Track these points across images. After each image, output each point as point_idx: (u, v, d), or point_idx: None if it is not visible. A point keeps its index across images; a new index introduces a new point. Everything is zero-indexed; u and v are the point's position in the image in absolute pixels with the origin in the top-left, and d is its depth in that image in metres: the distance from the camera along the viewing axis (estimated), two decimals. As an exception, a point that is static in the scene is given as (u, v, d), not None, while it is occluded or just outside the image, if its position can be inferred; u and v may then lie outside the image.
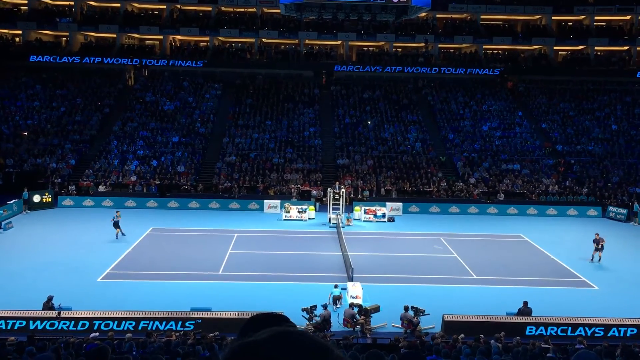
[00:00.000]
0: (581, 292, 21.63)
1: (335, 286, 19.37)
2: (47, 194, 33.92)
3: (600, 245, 24.93)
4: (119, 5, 52.56)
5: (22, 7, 52.28)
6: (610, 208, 35.44)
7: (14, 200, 31.96)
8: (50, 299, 17.30)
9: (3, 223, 28.57)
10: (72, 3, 52.33)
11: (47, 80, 47.69)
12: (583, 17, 54.15)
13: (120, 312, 17.01)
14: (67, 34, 51.64)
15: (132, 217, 32.07)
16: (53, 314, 16.79)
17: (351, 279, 20.77)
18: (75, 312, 17.10)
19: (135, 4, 53.53)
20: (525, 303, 17.90)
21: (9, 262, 23.27)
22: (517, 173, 39.90)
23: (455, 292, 20.98)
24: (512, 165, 40.70)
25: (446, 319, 17.15)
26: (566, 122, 46.13)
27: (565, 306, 19.34)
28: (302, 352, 1.29)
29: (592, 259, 25.21)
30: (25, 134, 41.39)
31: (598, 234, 25.33)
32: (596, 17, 53.53)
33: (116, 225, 27.28)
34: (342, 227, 29.44)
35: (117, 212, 28.07)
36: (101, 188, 36.31)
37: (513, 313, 17.79)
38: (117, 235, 27.21)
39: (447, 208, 35.69)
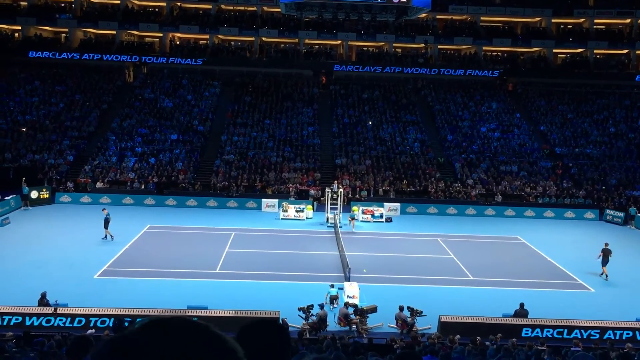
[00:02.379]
0: (577, 295, 21.65)
1: (332, 286, 19.38)
2: (44, 190, 33.87)
3: (606, 258, 23.47)
4: (118, 2, 52.51)
5: (22, 3, 52.20)
6: (608, 211, 35.50)
7: (11, 196, 31.89)
8: (43, 295, 17.27)
9: (0, 219, 28.51)
10: (72, -1, 52.28)
11: (46, 76, 47.62)
12: (583, 20, 54.23)
13: (117, 309, 17.00)
14: (67, 30, 51.59)
15: (129, 214, 32.13)
16: (49, 310, 16.77)
17: (348, 279, 20.77)
18: (71, 308, 17.08)
19: (135, 1, 53.51)
20: (522, 305, 17.92)
21: (5, 258, 23.22)
22: (515, 175, 39.94)
23: (451, 293, 20.99)
24: (510, 167, 40.74)
25: (442, 320, 17.16)
26: (565, 124, 46.19)
27: (561, 308, 19.36)
28: (178, 340, 1.19)
29: (602, 274, 23.53)
30: (24, 129, 41.33)
31: (607, 244, 23.88)
32: (596, 20, 53.62)
33: (107, 224, 26.47)
34: (340, 227, 29.40)
35: (103, 209, 27.24)
36: (99, 185, 36.27)
37: (509, 315, 17.81)
38: (106, 236, 26.42)
39: (444, 209, 35.72)
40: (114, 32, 51.62)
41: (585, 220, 35.28)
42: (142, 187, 36.59)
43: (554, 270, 24.47)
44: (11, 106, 43.90)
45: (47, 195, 33.84)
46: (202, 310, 17.08)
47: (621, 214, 34.56)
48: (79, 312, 16.88)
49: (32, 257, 23.44)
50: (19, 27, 51.23)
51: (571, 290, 22.08)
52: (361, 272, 22.23)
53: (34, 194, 33.22)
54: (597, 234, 26.14)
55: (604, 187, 39.00)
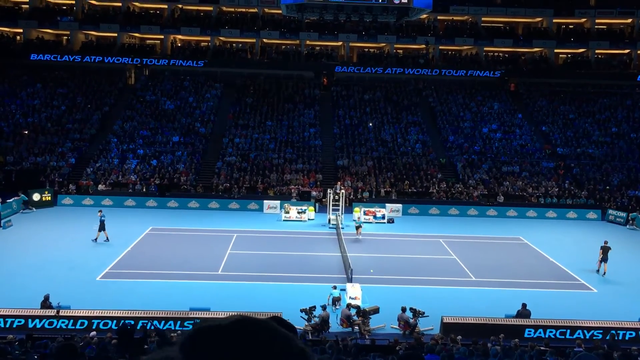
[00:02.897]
0: (580, 295, 21.62)
1: (334, 287, 19.37)
2: (46, 193, 33.92)
3: (605, 255, 23.73)
4: (120, 4, 52.57)
5: (23, 6, 52.32)
6: (610, 211, 35.44)
7: (13, 199, 31.94)
8: (46, 297, 17.29)
9: (2, 221, 28.55)
10: (73, 2, 52.38)
11: (47, 79, 47.69)
12: (584, 20, 54.18)
13: (119, 311, 17.01)
14: (68, 32, 51.67)
15: (131, 216, 32.18)
16: (52, 312, 16.79)
17: (350, 280, 20.77)
18: (74, 310, 17.09)
19: (137, 3, 53.55)
20: (524, 305, 17.91)
21: (8, 261, 23.27)
22: (517, 175, 39.90)
23: (454, 294, 20.98)
24: (512, 168, 40.69)
25: (445, 321, 17.15)
26: (566, 124, 46.15)
27: (564, 309, 19.34)
28: (265, 343, 1.27)
29: (598, 271, 24.01)
30: (26, 132, 41.39)
31: (607, 242, 24.23)
32: (597, 20, 53.57)
33: (102, 226, 26.40)
34: (342, 228, 29.38)
35: (99, 211, 27.13)
36: (101, 187, 36.31)
37: (512, 315, 17.80)
38: (96, 239, 26.35)
39: (446, 210, 35.70)
40: (115, 35, 51.69)
41: (587, 221, 35.23)
42: (144, 189, 36.61)
43: (556, 271, 24.44)
44: (13, 109, 43.98)
45: (49, 198, 33.88)
46: (205, 312, 17.09)
47: (623, 214, 34.51)
48: (81, 315, 16.90)
49: (34, 259, 23.47)
50: (21, 30, 51.33)
51: (574, 291, 22.05)
52: (367, 272, 22.22)
53: (36, 197, 33.26)
54: (599, 234, 26.12)
55: (606, 187, 38.94)
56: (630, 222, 33.80)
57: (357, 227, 28.84)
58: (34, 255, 24.01)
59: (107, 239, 26.51)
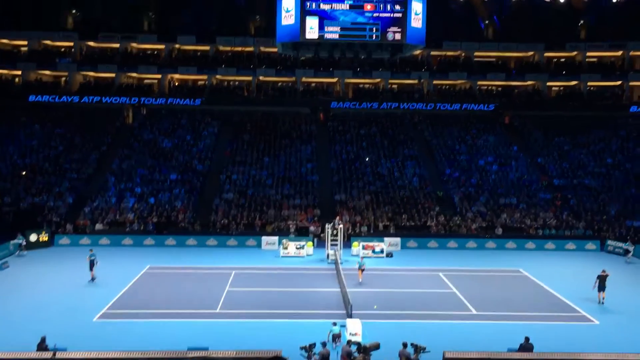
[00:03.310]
0: (582, 327, 21.43)
1: (334, 323, 19.16)
2: (43, 233, 33.78)
3: (603, 284, 23.88)
4: (117, 45, 53.44)
5: (22, 49, 53.13)
6: (609, 242, 35.39)
7: (12, 240, 31.79)
8: (43, 339, 17.05)
9: (-1, 262, 28.41)
10: (71, 44, 53.20)
11: (45, 119, 48.03)
12: (575, 53, 55.15)
13: (117, 352, 16.73)
14: (67, 73, 52.37)
15: (129, 255, 32.03)
16: (48, 354, 16.54)
17: (350, 316, 20.58)
18: (70, 352, 16.80)
19: (134, 44, 54.38)
20: (527, 339, 17.71)
21: (4, 302, 23.03)
22: (514, 207, 39.94)
23: (455, 328, 20.78)
24: (509, 200, 40.75)
25: (447, 356, 16.88)
26: (562, 156, 46.45)
27: (566, 341, 19.16)
28: None
29: (600, 302, 23.99)
30: (24, 173, 41.45)
31: (604, 270, 24.36)
32: (588, 53, 54.58)
33: (92, 265, 26.27)
34: (341, 263, 29.23)
35: (90, 250, 27.09)
36: (98, 226, 36.20)
37: (515, 349, 17.58)
38: (93, 277, 26.22)
39: (445, 243, 35.62)
40: (113, 75, 52.37)
41: (586, 252, 35.15)
42: (142, 227, 36.50)
43: (557, 303, 24.27)
44: (11, 150, 44.14)
45: (47, 238, 33.74)
46: (203, 352, 16.84)
47: (622, 244, 34.41)
48: (78, 357, 16.61)
49: (30, 300, 23.25)
50: (19, 72, 52.02)
51: (575, 323, 21.86)
52: (367, 308, 22.03)
53: (33, 237, 33.11)
54: (599, 265, 25.99)
55: (604, 217, 38.96)
56: (627, 253, 33.28)
57: (360, 270, 26.77)
58: (30, 297, 23.77)
59: (93, 278, 26.24)
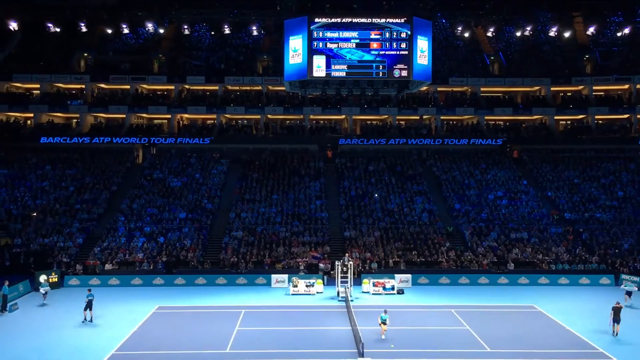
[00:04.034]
0: (600, 364, 20.94)
1: (346, 363, 18.88)
2: (53, 274, 33.74)
3: (617, 316, 24.12)
4: (128, 87, 54.31)
5: (34, 92, 54.06)
6: (623, 276, 34.81)
7: (20, 283, 31.77)
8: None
9: (8, 304, 28.27)
10: (83, 86, 54.16)
11: (56, 161, 48.56)
12: (582, 87, 55.43)
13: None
14: (78, 115, 53.17)
15: (138, 295, 31.86)
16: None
17: (362, 355, 20.26)
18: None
19: (145, 85, 55.26)
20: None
21: (14, 344, 22.88)
22: (525, 242, 39.56)
23: (469, 367, 20.38)
24: (520, 234, 40.40)
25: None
26: (572, 189, 46.20)
27: (584, 379, 18.68)
28: None
29: (614, 333, 24.19)
30: (34, 214, 41.69)
31: (618, 302, 24.74)
32: (594, 87, 54.82)
33: (89, 305, 26.17)
34: (351, 300, 28.91)
35: (88, 290, 27.05)
36: (108, 266, 36.14)
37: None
38: (85, 318, 26.13)
39: (456, 279, 35.20)
40: (124, 116, 53.13)
41: (601, 286, 34.58)
42: (151, 266, 36.41)
43: (573, 340, 23.78)
44: (22, 191, 44.53)
45: (56, 279, 33.67)
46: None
47: (637, 279, 33.84)
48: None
49: (39, 342, 23.08)
50: (32, 115, 52.84)
51: (593, 360, 21.37)
52: (379, 346, 21.67)
53: (42, 278, 33.02)
54: (614, 300, 25.53)
55: (617, 251, 38.48)
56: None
57: (383, 324, 23.72)
58: (39, 339, 23.61)
59: (88, 319, 26.12)
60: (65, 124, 53.86)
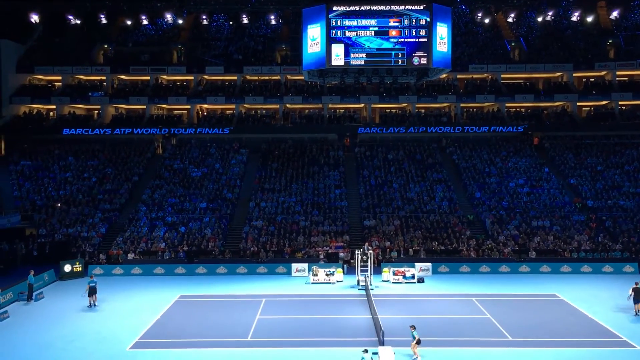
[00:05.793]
0: (623, 353, 20.70)
1: (365, 351, 18.89)
2: (77, 264, 34.32)
3: (638, 297, 24.70)
4: (148, 78, 54.67)
5: (56, 84, 54.70)
6: (647, 264, 34.39)
7: (45, 272, 32.42)
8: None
9: (34, 294, 28.86)
10: (104, 78, 54.63)
11: (79, 152, 49.23)
12: (604, 72, 54.39)
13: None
14: (99, 107, 53.69)
15: (160, 284, 32.30)
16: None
17: (382, 343, 20.31)
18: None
19: (164, 77, 55.58)
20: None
21: (40, 333, 23.37)
22: (547, 230, 39.16)
23: (490, 356, 20.32)
24: (542, 222, 40.00)
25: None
26: (595, 177, 45.55)
27: (607, 368, 18.53)
28: None
29: (636, 313, 24.96)
30: (58, 204, 42.36)
31: (638, 283, 25.19)
32: (618, 73, 53.71)
33: (92, 291, 26.92)
34: (371, 288, 28.93)
35: (91, 276, 27.63)
36: (130, 256, 36.63)
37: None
38: (90, 304, 26.96)
39: (477, 267, 35.01)
40: (144, 107, 53.54)
41: (624, 274, 34.10)
42: (173, 256, 36.83)
43: (596, 328, 23.56)
44: (46, 182, 45.26)
45: (80, 269, 34.25)
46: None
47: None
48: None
49: (65, 331, 23.53)
50: (54, 107, 53.50)
51: (616, 349, 21.13)
52: (399, 334, 21.70)
53: (67, 268, 33.66)
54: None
55: (641, 239, 37.94)
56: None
57: (417, 342, 20.04)
58: (64, 327, 24.07)
59: (92, 305, 26.96)
60: (86, 116, 54.47)
